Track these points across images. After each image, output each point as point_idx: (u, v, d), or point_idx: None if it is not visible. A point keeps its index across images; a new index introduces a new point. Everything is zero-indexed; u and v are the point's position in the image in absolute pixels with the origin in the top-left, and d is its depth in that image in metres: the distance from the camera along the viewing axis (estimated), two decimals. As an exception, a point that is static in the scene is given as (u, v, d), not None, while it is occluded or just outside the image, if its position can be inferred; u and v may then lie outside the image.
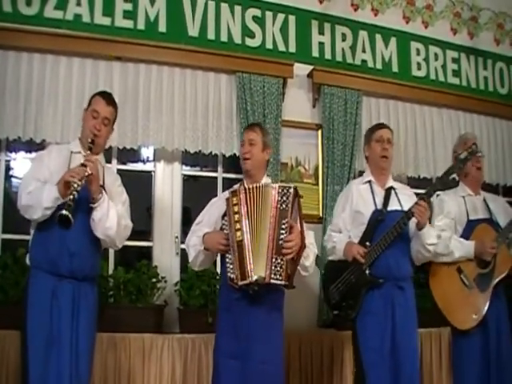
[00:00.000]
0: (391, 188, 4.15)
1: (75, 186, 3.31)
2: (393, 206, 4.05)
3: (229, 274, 3.44)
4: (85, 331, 3.51)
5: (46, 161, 3.61)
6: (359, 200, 4.11)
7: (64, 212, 3.21)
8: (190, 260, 3.75)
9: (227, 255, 3.49)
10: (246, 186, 3.50)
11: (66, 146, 3.81)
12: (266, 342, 3.50)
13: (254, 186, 3.48)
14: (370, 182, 4.19)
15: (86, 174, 3.38)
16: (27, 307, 3.42)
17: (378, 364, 3.77)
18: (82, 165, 3.43)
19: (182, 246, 4.59)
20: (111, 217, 3.56)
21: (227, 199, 3.50)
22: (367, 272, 3.89)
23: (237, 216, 3.41)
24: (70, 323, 3.43)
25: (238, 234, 3.38)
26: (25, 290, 3.50)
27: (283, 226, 3.36)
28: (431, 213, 4.23)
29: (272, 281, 3.32)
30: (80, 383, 3.43)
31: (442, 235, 4.32)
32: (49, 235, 3.46)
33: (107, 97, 3.79)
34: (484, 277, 4.30)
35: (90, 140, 3.62)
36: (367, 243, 3.93)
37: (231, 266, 3.45)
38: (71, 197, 3.28)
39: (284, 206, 3.38)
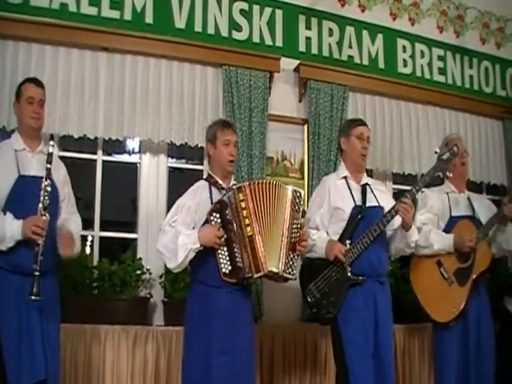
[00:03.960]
0: (366, 184, 4.16)
1: (39, 242, 3.34)
2: (370, 202, 4.06)
3: (223, 270, 3.53)
4: (53, 321, 3.55)
5: None
6: (337, 196, 4.08)
7: (33, 298, 3.27)
8: (176, 262, 3.53)
9: (219, 251, 3.55)
10: (252, 182, 3.65)
11: (6, 144, 3.70)
12: (251, 332, 3.71)
13: (262, 181, 3.64)
14: (345, 177, 4.16)
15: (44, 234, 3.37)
16: None
17: (361, 359, 3.77)
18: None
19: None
20: (77, 240, 3.71)
21: (231, 196, 3.55)
22: (349, 270, 3.88)
23: (245, 212, 3.51)
24: (39, 315, 3.45)
25: (248, 229, 3.49)
26: None
27: (295, 226, 3.60)
28: (415, 211, 4.25)
29: (285, 274, 3.53)
30: (54, 370, 3.48)
31: (422, 228, 4.42)
32: None
33: (35, 80, 3.74)
34: (463, 271, 4.34)
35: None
36: (347, 241, 3.92)
37: (226, 262, 3.54)
38: (37, 266, 3.30)
39: (297, 207, 3.63)
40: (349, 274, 3.88)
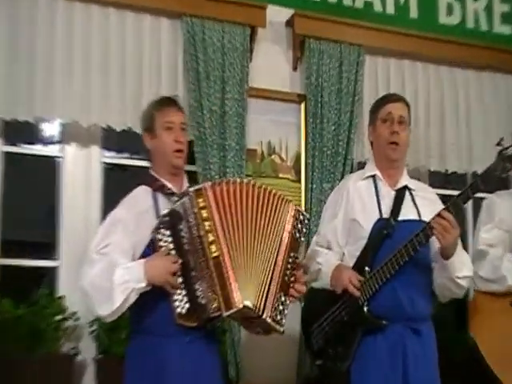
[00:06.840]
0: (405, 188, 3.86)
1: None
2: (407, 214, 3.76)
3: (178, 310, 3.30)
4: None
5: None
6: (357, 204, 3.86)
7: None
8: (111, 307, 3.28)
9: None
10: (219, 181, 3.50)
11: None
12: None
13: (235, 181, 3.51)
14: (373, 177, 3.92)
15: None
16: None
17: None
18: None
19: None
20: None
21: (186, 203, 3.38)
22: (365, 309, 3.66)
23: (207, 224, 3.31)
24: None
25: (213, 248, 3.28)
26: None
27: (290, 260, 3.42)
28: (461, 231, 3.83)
29: (270, 320, 3.26)
30: None
31: (489, 252, 4.29)
32: None
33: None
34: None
35: None
36: (366, 268, 3.67)
37: (182, 298, 3.36)
38: None
39: (298, 234, 3.45)
40: (365, 313, 3.66)
